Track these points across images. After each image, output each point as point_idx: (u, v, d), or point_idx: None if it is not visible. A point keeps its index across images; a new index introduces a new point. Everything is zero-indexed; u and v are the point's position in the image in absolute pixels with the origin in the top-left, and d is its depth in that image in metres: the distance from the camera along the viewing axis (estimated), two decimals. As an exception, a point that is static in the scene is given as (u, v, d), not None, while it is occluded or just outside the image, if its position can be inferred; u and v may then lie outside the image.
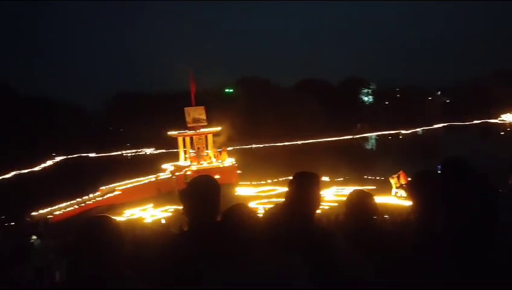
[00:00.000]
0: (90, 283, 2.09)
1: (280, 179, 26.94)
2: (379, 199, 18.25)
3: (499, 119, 66.76)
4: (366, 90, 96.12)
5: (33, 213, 22.20)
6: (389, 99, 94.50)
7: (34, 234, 13.41)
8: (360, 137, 67.15)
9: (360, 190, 3.31)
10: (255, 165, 31.72)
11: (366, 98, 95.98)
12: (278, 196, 22.39)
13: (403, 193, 18.47)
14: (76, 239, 2.25)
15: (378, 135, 67.97)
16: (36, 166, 49.55)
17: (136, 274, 2.22)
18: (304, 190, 2.85)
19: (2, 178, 42.07)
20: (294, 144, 56.47)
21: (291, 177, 3.00)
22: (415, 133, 67.66)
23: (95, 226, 2.17)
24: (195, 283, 2.26)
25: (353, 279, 2.55)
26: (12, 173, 44.06)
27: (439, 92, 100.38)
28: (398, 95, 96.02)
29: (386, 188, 20.08)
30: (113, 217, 2.34)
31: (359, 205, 3.14)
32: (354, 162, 34.89)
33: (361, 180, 24.56)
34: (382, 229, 3.44)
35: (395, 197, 18.64)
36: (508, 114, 66.19)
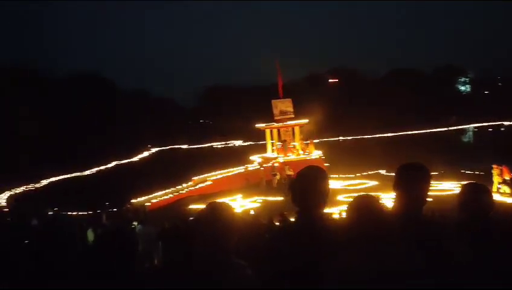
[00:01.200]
0: (204, 265, 2.14)
1: (370, 173, 26.19)
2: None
3: None
4: (463, 80, 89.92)
5: (132, 200, 23.87)
6: (489, 88, 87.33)
7: (135, 220, 14.41)
8: (456, 129, 63.06)
9: (476, 183, 3.03)
10: (342, 158, 31.11)
11: (463, 88, 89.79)
12: (367, 190, 21.78)
13: (506, 188, 17.00)
14: (196, 221, 2.32)
15: (476, 127, 63.39)
16: (134, 157, 53.20)
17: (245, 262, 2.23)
18: (411, 185, 2.70)
19: (105, 168, 45.77)
20: (384, 136, 54.56)
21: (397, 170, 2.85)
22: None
23: (217, 210, 2.23)
24: (309, 275, 2.22)
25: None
26: (113, 163, 47.71)
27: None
28: (500, 84, 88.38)
29: (485, 183, 18.60)
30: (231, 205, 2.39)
31: (475, 200, 2.87)
32: (449, 155, 32.83)
33: (458, 175, 22.98)
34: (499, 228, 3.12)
35: (497, 194, 17.19)
36: None
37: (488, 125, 61.42)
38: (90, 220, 17.76)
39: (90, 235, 12.21)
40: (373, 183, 23.27)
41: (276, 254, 2.50)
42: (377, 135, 54.90)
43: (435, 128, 57.11)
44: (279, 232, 2.95)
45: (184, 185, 26.36)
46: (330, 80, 75.58)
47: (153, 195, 24.41)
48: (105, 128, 56.36)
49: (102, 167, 45.27)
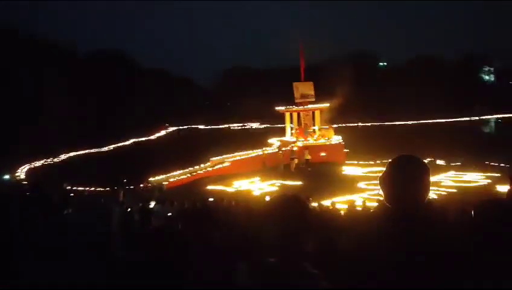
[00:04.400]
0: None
1: (389, 160, 25.70)
2: (504, 188, 16.46)
3: None
4: (487, 69, 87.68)
5: (150, 179, 23.88)
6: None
7: (153, 199, 14.31)
8: (479, 119, 61.71)
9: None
10: (362, 144, 30.61)
11: (487, 77, 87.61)
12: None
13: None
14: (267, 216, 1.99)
15: (499, 118, 61.89)
16: (152, 135, 53.41)
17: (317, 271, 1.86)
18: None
19: (123, 145, 46.04)
20: (404, 123, 53.71)
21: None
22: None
23: (299, 206, 1.91)
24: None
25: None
26: (131, 141, 47.96)
27: None
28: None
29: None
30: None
31: None
32: (471, 146, 32.10)
33: (482, 166, 22.39)
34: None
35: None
36: None
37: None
38: (107, 197, 17.78)
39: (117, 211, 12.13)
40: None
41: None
42: (397, 123, 54.09)
43: (458, 117, 55.96)
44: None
45: (202, 165, 26.26)
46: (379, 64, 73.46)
47: (171, 174, 24.38)
48: (124, 107, 56.57)
49: (120, 144, 45.55)
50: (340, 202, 14.99)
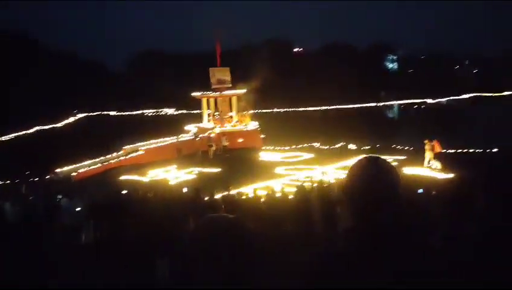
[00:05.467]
0: None
1: (305, 145, 26.34)
2: (411, 171, 17.52)
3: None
4: (391, 57, 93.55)
5: (57, 170, 22.12)
6: (414, 67, 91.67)
7: (61, 193, 13.17)
8: (384, 105, 65.72)
9: None
10: (278, 130, 31.06)
11: (391, 65, 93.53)
12: (304, 162, 21.84)
13: (438, 164, 17.60)
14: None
15: (402, 104, 66.42)
16: (58, 122, 49.85)
17: None
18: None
19: (25, 133, 42.41)
20: (317, 109, 55.59)
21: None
22: (440, 103, 65.80)
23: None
24: None
25: None
26: (35, 129, 44.36)
27: (466, 62, 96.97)
28: (423, 63, 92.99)
29: (417, 158, 19.20)
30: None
31: None
32: (377, 130, 34.04)
33: (390, 150, 23.69)
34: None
35: (428, 169, 17.79)
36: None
37: (412, 102, 64.50)
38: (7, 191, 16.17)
39: (9, 208, 10.91)
40: (309, 155, 23.38)
41: None
42: (311, 108, 55.81)
43: (365, 103, 59.07)
44: None
45: (115, 154, 24.89)
46: (294, 50, 74.68)
47: (80, 164, 22.78)
48: (24, 90, 51.98)
49: (21, 133, 41.88)
50: (260, 189, 14.96)
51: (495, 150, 21.17)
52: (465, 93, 68.42)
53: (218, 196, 12.30)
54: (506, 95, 65.48)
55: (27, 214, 9.75)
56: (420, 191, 9.42)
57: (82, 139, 32.74)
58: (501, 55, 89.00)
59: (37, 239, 8.92)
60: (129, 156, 24.47)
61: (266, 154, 24.74)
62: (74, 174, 21.58)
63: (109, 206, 9.47)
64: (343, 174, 18.04)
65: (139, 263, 6.85)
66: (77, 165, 22.64)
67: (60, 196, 12.39)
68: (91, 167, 22.65)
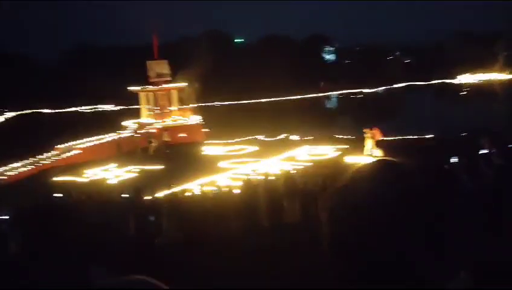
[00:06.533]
0: None
1: (248, 138, 26.16)
2: (353, 159, 17.86)
3: (455, 79, 67.83)
4: (328, 49, 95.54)
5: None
6: (350, 58, 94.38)
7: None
8: (323, 96, 67.00)
9: None
10: (220, 124, 30.65)
11: (328, 57, 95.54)
12: (248, 155, 21.64)
13: (378, 152, 17.98)
14: None
15: (340, 94, 68.01)
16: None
17: None
18: None
19: None
20: (259, 102, 55.61)
21: None
22: (376, 92, 68.08)
23: None
24: None
25: None
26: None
27: (397, 52, 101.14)
28: (358, 54, 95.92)
29: (358, 147, 19.57)
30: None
31: None
32: (318, 121, 34.59)
33: (332, 140, 24.05)
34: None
35: (370, 157, 18.14)
36: (466, 74, 67.32)
37: (350, 92, 66.25)
38: None
39: None
40: (253, 148, 23.21)
41: None
42: (252, 101, 55.70)
43: (305, 94, 59.84)
44: None
45: (47, 154, 23.35)
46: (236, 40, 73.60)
47: (9, 167, 21.14)
48: None
49: None
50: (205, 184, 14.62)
51: (429, 136, 22.15)
52: (398, 83, 71.13)
53: (160, 195, 11.84)
54: (434, 83, 68.88)
55: None
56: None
57: (11, 140, 30.57)
58: (434, 46, 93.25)
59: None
60: (63, 155, 23.09)
61: (209, 149, 24.29)
62: (2, 178, 20.03)
63: (38, 211, 8.69)
64: (288, 166, 18.07)
65: (71, 271, 6.32)
66: (5, 167, 21.02)
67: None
68: (21, 170, 21.11)
